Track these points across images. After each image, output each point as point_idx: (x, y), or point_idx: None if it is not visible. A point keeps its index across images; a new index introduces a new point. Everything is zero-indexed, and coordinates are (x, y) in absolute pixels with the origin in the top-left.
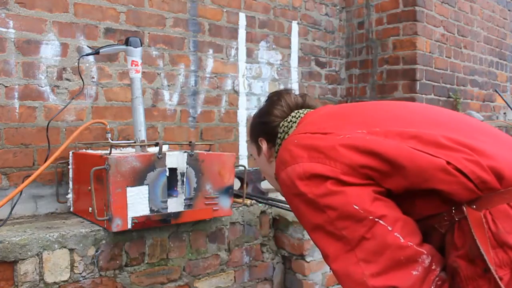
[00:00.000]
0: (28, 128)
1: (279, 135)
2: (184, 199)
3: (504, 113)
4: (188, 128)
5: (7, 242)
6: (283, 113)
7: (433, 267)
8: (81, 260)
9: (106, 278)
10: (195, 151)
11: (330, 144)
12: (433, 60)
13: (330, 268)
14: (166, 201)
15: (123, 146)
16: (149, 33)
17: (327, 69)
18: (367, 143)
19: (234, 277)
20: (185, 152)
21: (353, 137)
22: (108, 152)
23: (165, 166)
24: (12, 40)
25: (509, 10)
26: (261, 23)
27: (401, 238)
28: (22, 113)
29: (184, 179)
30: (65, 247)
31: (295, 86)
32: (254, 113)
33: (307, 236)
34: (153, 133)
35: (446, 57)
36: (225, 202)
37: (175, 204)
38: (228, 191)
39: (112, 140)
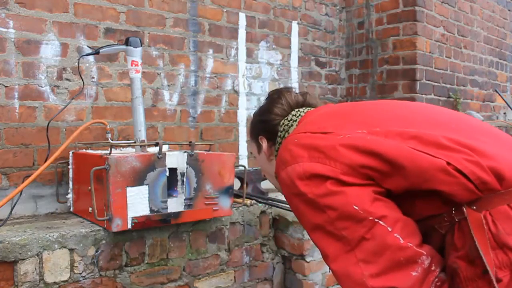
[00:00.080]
0: (28, 128)
1: (279, 133)
2: (184, 199)
3: (504, 113)
4: (188, 128)
5: (7, 242)
6: (284, 112)
7: (433, 268)
8: (81, 260)
9: (106, 278)
10: (195, 151)
11: (330, 144)
12: (433, 60)
13: (330, 268)
14: (166, 201)
15: (123, 146)
16: (149, 33)
17: (327, 69)
18: (367, 143)
19: (234, 277)
20: (185, 152)
21: (353, 137)
22: (108, 152)
23: (165, 166)
24: (12, 40)
25: (509, 10)
26: (261, 23)
27: (400, 239)
28: (22, 113)
29: (184, 179)
30: (65, 247)
31: (295, 86)
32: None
33: (307, 236)
34: (153, 133)
35: (446, 57)
36: (225, 202)
37: (175, 204)
38: (228, 191)
39: (112, 140)
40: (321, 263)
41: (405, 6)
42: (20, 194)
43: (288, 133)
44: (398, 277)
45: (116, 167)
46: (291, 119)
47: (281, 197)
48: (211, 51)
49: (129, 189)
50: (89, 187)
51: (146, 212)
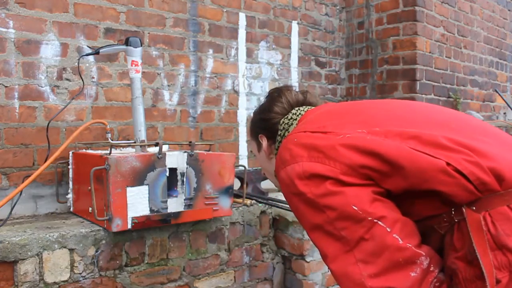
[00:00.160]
0: (28, 128)
1: (279, 132)
2: (184, 199)
3: (504, 113)
4: (188, 128)
5: (7, 242)
6: (284, 110)
7: (432, 268)
8: (81, 260)
9: (106, 278)
10: (195, 151)
11: (330, 143)
12: (433, 60)
13: (329, 268)
14: (166, 201)
15: (123, 146)
16: (149, 33)
17: (327, 69)
18: (367, 143)
19: (234, 277)
20: (185, 152)
21: (353, 137)
22: (108, 152)
23: (165, 166)
24: (12, 40)
25: (509, 10)
26: (261, 23)
27: (399, 239)
28: (22, 113)
29: (184, 179)
30: (65, 247)
31: (295, 86)
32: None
33: (307, 236)
34: (153, 133)
35: (446, 57)
36: (225, 202)
37: (175, 204)
38: (228, 191)
39: (112, 140)
40: (321, 263)
41: (405, 6)
42: (20, 194)
43: (288, 132)
44: (397, 277)
45: (116, 167)
46: (291, 118)
47: (281, 197)
48: (211, 51)
49: (129, 189)
50: (89, 187)
51: (146, 212)
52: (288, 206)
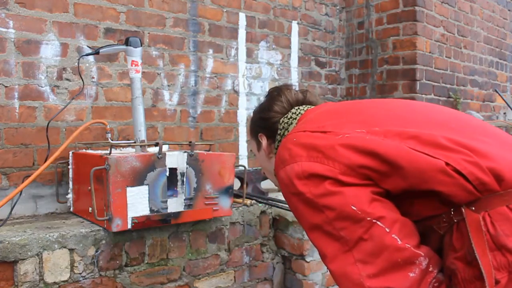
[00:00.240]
0: (28, 128)
1: (278, 131)
2: (184, 199)
3: (504, 113)
4: (188, 128)
5: (7, 242)
6: (283, 109)
7: (430, 269)
8: (81, 260)
9: (106, 278)
10: (195, 151)
11: (329, 143)
12: (433, 60)
13: (328, 268)
14: (166, 201)
15: (123, 146)
16: (149, 33)
17: (327, 69)
18: (366, 143)
19: (234, 277)
20: (185, 152)
21: (352, 137)
22: (108, 152)
23: (165, 166)
24: (12, 40)
25: (509, 10)
26: (261, 23)
27: (398, 240)
28: (22, 113)
29: (184, 179)
30: (65, 247)
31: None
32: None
33: (307, 236)
34: (153, 133)
35: (446, 57)
36: (225, 202)
37: (175, 204)
38: (228, 191)
39: (112, 140)
40: (321, 263)
41: (405, 6)
42: (20, 194)
43: (288, 131)
44: (396, 278)
45: (116, 167)
46: (291, 117)
47: (281, 197)
48: (211, 51)
49: (129, 189)
50: (89, 187)
51: (146, 212)
52: (288, 206)
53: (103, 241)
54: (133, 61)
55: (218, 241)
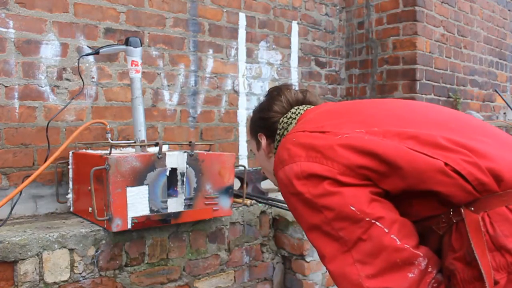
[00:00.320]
0: (28, 128)
1: (278, 131)
2: (184, 199)
3: (504, 113)
4: (188, 128)
5: (7, 242)
6: (283, 109)
7: (429, 269)
8: (81, 260)
9: (106, 278)
10: (195, 151)
11: (328, 143)
12: (433, 60)
13: (326, 269)
14: (166, 201)
15: (123, 146)
16: (149, 33)
17: (327, 69)
18: (365, 144)
19: (234, 277)
20: (185, 152)
21: (351, 137)
22: (108, 152)
23: (165, 166)
24: (12, 40)
25: (509, 10)
26: (261, 23)
27: (397, 240)
28: (22, 113)
29: (184, 179)
30: (65, 247)
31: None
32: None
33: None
34: (153, 133)
35: (446, 57)
36: (225, 202)
37: (175, 204)
38: (228, 191)
39: (112, 140)
40: (321, 263)
41: (405, 6)
42: (20, 194)
43: (287, 131)
44: (394, 278)
45: (116, 167)
46: (290, 117)
47: (281, 197)
48: (211, 51)
49: (129, 189)
50: (89, 187)
51: (146, 212)
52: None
53: (103, 241)
54: (133, 61)
55: (218, 241)
